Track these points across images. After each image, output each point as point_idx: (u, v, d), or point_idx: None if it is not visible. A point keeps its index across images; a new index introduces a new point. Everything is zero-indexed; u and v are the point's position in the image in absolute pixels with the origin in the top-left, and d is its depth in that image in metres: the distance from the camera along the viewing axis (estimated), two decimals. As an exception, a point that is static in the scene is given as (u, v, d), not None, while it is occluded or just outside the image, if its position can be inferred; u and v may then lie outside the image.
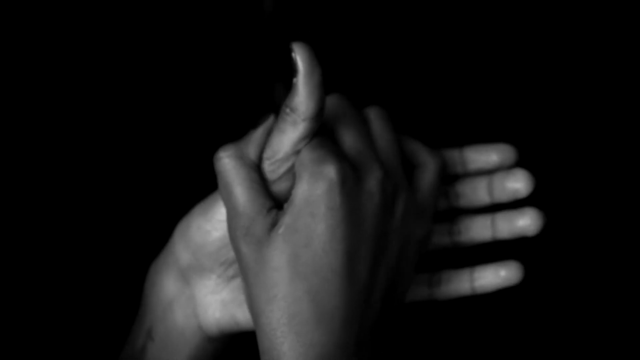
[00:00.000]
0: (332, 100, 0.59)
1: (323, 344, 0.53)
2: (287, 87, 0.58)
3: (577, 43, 0.80)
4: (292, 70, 0.55)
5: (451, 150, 0.64)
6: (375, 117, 0.60)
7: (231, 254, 0.60)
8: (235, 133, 0.57)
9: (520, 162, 0.63)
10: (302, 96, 0.55)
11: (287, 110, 0.55)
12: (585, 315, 0.80)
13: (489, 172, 0.63)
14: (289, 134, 0.56)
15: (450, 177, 0.64)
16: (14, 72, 0.70)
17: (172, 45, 0.74)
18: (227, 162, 0.56)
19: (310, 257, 0.53)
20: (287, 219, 0.54)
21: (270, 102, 0.76)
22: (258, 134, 0.57)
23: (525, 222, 0.62)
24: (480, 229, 0.63)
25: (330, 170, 0.54)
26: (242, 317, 0.60)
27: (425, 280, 0.63)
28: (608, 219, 0.80)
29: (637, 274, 0.80)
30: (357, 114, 0.59)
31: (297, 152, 0.56)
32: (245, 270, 0.55)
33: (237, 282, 0.60)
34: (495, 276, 0.62)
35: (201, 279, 0.60)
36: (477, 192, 0.63)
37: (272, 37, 0.77)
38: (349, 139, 0.58)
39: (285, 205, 0.55)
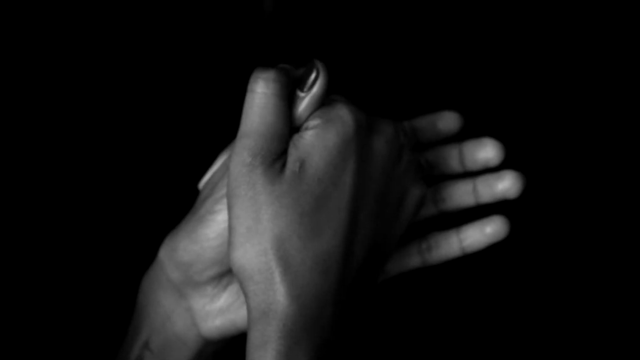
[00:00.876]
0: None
1: (319, 285, 0.53)
2: (325, 66, 0.59)
3: (573, 43, 0.80)
4: (303, 83, 0.55)
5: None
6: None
7: (224, 267, 0.59)
8: (235, 133, 0.57)
9: (520, 158, 0.63)
10: (301, 114, 0.56)
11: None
12: (576, 288, 0.80)
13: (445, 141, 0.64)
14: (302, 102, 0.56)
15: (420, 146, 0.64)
16: (14, 72, 0.70)
17: (172, 45, 0.74)
18: (264, 85, 0.55)
19: (321, 193, 0.54)
20: (302, 154, 0.54)
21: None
22: (295, 71, 0.57)
23: (505, 186, 0.62)
24: (463, 195, 0.63)
25: (344, 110, 0.55)
26: (241, 321, 0.60)
27: (416, 248, 0.63)
28: (604, 209, 0.81)
29: (627, 261, 0.80)
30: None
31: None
32: (247, 204, 0.54)
33: (233, 289, 0.60)
34: (482, 234, 0.62)
35: (197, 292, 0.60)
36: (448, 161, 0.63)
37: (272, 37, 0.77)
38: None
39: (293, 143, 0.55)
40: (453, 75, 0.80)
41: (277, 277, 0.52)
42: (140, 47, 0.73)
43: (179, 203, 0.64)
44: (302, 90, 0.56)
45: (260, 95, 0.55)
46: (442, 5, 0.79)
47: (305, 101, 0.56)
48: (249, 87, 0.55)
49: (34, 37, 0.70)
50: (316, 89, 0.55)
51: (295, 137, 0.55)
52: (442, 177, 0.63)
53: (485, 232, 0.62)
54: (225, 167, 0.59)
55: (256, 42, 0.76)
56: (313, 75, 0.55)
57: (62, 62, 0.71)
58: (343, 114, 0.55)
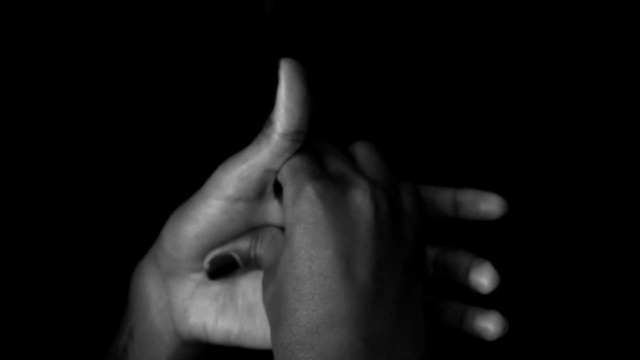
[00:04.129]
0: (316, 141, 0.60)
1: (328, 342, 0.53)
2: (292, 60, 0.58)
3: (572, 43, 0.80)
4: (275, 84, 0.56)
5: (446, 190, 0.64)
6: (361, 148, 0.61)
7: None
8: (235, 133, 0.57)
9: (520, 158, 0.63)
10: (279, 110, 0.56)
11: (267, 122, 0.56)
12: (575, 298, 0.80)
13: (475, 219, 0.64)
14: (262, 148, 0.56)
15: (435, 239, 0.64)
16: (14, 72, 0.70)
17: (171, 45, 0.74)
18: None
19: (299, 268, 0.55)
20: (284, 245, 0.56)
21: (270, 102, 0.76)
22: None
23: (485, 325, 0.62)
24: (451, 316, 0.63)
25: (310, 189, 0.55)
26: (211, 326, 0.61)
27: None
28: (604, 210, 0.81)
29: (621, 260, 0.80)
30: (337, 150, 0.60)
31: (265, 171, 0.57)
32: (265, 303, 0.57)
33: (213, 290, 0.61)
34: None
35: (178, 285, 0.61)
36: (459, 271, 0.63)
37: (272, 37, 0.77)
38: (332, 164, 0.59)
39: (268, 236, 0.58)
40: (454, 73, 0.80)
41: (287, 345, 0.55)
42: (139, 46, 0.73)
43: (179, 200, 0.64)
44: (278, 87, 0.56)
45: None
46: (442, 5, 0.79)
47: (279, 96, 0.56)
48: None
49: (34, 37, 0.70)
50: (282, 82, 0.55)
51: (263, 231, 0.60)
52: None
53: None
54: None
55: (256, 42, 0.76)
56: (279, 71, 0.56)
57: (62, 62, 0.71)
58: (308, 192, 0.56)
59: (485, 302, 0.72)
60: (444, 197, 0.64)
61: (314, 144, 0.60)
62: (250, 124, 0.59)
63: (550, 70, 0.80)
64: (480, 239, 0.65)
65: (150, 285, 0.61)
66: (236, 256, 0.60)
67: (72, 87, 0.72)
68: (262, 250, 0.60)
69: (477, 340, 0.63)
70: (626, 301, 0.80)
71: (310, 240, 0.54)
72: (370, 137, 0.65)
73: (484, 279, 0.62)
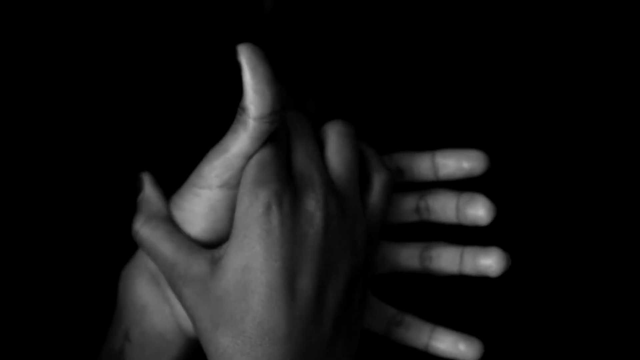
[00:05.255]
0: (289, 117, 0.59)
1: (267, 357, 0.53)
2: (287, 87, 0.58)
3: (570, 44, 0.80)
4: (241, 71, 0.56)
5: (423, 155, 0.63)
6: (334, 133, 0.60)
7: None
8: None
9: (514, 163, 0.63)
10: (250, 94, 0.55)
11: (239, 110, 0.56)
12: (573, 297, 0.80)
13: (460, 180, 0.63)
14: (240, 135, 0.56)
15: (420, 185, 0.63)
16: (14, 72, 0.70)
17: (171, 45, 0.74)
18: (143, 231, 0.58)
19: (249, 277, 0.54)
20: (229, 246, 0.55)
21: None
22: (148, 192, 0.60)
23: (487, 263, 0.61)
24: (449, 261, 0.62)
25: (267, 195, 0.55)
26: None
27: (418, 252, 0.62)
28: (604, 211, 0.81)
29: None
30: (310, 131, 0.59)
31: (245, 157, 0.57)
32: (191, 310, 0.56)
33: None
34: (454, 347, 0.61)
35: None
36: (447, 211, 0.62)
37: (272, 37, 0.77)
38: (298, 155, 0.58)
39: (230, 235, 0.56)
40: (454, 72, 0.80)
41: (227, 357, 0.55)
42: (139, 46, 0.73)
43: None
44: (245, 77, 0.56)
45: (147, 240, 0.60)
46: (441, 5, 0.79)
47: (245, 81, 0.55)
48: (136, 242, 0.61)
49: (34, 37, 0.70)
50: (244, 67, 0.55)
51: (233, 224, 0.57)
52: (437, 233, 0.63)
53: (457, 347, 0.61)
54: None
55: (256, 42, 0.76)
56: (239, 58, 0.56)
57: (62, 62, 0.71)
58: (266, 200, 0.55)
59: (484, 302, 0.72)
60: (422, 162, 0.63)
61: (289, 126, 0.59)
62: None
63: (550, 70, 0.80)
64: (479, 238, 0.65)
65: (141, 285, 0.61)
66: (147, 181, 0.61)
67: (71, 86, 0.72)
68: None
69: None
70: (625, 301, 0.80)
71: (263, 249, 0.54)
72: (370, 135, 0.65)
73: (480, 211, 0.61)
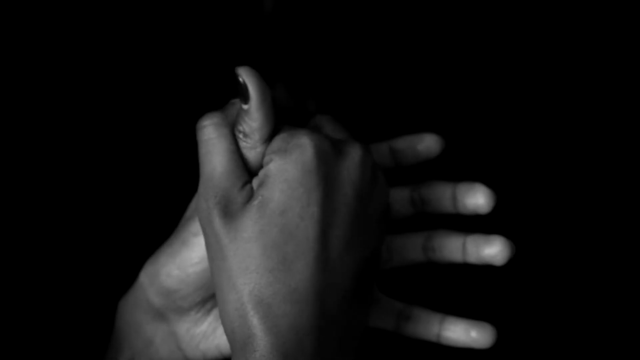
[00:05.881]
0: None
1: (295, 315, 0.51)
2: (287, 87, 0.58)
3: (569, 46, 0.80)
4: (241, 95, 0.54)
5: (379, 144, 0.62)
6: (326, 122, 0.59)
7: (208, 292, 0.58)
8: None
9: (518, 159, 0.63)
10: (258, 122, 0.54)
11: (241, 135, 0.54)
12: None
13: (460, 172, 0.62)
14: (249, 153, 0.55)
15: (411, 181, 0.63)
16: (14, 72, 0.70)
17: (172, 45, 0.74)
18: (211, 131, 0.54)
19: (285, 225, 0.52)
20: (262, 190, 0.52)
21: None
22: (256, 104, 0.55)
23: (491, 252, 0.59)
24: (453, 250, 0.60)
25: (305, 139, 0.53)
26: (225, 346, 0.59)
27: (420, 243, 0.61)
28: (603, 211, 0.81)
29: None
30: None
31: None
32: (214, 246, 0.53)
33: (216, 313, 0.59)
34: (465, 334, 0.60)
35: (180, 317, 0.59)
36: (443, 202, 0.61)
37: (272, 37, 0.77)
38: (326, 128, 0.57)
39: (260, 176, 0.53)
40: (454, 72, 0.80)
41: (250, 311, 0.51)
42: (139, 47, 0.73)
43: (158, 223, 0.64)
44: (244, 103, 0.54)
45: (204, 142, 0.54)
46: (441, 5, 0.79)
47: (255, 113, 0.54)
48: (197, 136, 0.55)
49: (34, 37, 0.70)
50: (254, 95, 0.53)
51: (261, 170, 0.54)
52: (439, 223, 0.62)
53: (469, 334, 0.60)
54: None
55: (256, 42, 0.76)
56: (241, 83, 0.54)
57: (62, 62, 0.71)
58: (303, 143, 0.53)
59: (483, 309, 0.72)
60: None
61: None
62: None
63: (550, 70, 0.80)
64: (479, 226, 0.65)
65: (146, 320, 0.59)
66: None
67: (71, 86, 0.72)
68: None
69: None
70: (625, 301, 0.80)
71: (302, 193, 0.52)
72: (370, 135, 0.65)
73: (480, 199, 0.60)
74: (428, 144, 0.62)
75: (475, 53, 0.80)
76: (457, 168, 0.78)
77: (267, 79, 0.55)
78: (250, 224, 0.52)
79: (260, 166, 0.55)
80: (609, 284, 0.80)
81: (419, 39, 0.79)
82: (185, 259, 0.58)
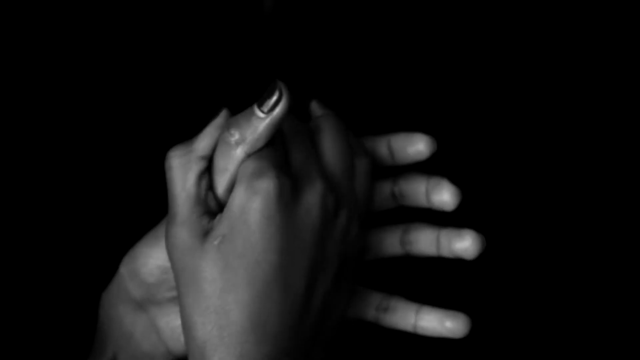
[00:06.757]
0: (287, 120, 0.59)
1: (253, 356, 0.52)
2: (288, 87, 0.58)
3: (569, 44, 0.80)
4: (265, 104, 0.55)
5: (381, 139, 0.62)
6: (327, 127, 0.59)
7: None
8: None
9: (517, 158, 0.63)
10: (261, 135, 0.55)
11: (233, 138, 0.55)
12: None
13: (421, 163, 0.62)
14: (231, 170, 0.55)
15: (392, 173, 0.63)
16: (14, 72, 0.70)
17: (171, 45, 0.74)
18: (175, 163, 0.56)
19: (244, 268, 0.53)
20: (222, 229, 0.53)
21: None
22: (208, 131, 0.57)
23: (462, 246, 0.60)
24: (427, 243, 0.61)
25: (268, 183, 0.53)
26: None
27: (398, 237, 0.62)
28: (603, 212, 0.81)
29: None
30: (303, 129, 0.59)
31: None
32: (177, 279, 0.54)
33: None
34: (440, 324, 0.60)
35: (159, 309, 0.60)
36: (418, 196, 0.61)
37: (272, 37, 0.77)
38: (294, 152, 0.57)
39: (221, 215, 0.54)
40: (453, 72, 0.80)
41: (210, 350, 0.53)
42: (139, 46, 0.73)
43: (147, 216, 0.64)
44: (262, 112, 0.55)
45: (167, 170, 0.56)
46: (441, 5, 0.79)
47: (264, 123, 0.54)
48: (165, 166, 0.57)
49: (34, 37, 0.70)
50: (277, 111, 0.54)
51: (226, 206, 0.54)
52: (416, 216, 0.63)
53: (444, 324, 0.60)
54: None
55: (256, 42, 0.76)
56: (275, 97, 0.54)
57: (62, 62, 0.71)
58: (266, 188, 0.53)
59: (483, 302, 0.72)
60: (381, 147, 0.62)
61: (284, 125, 0.58)
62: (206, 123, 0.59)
63: (550, 70, 0.80)
64: (458, 220, 0.64)
65: (127, 313, 0.60)
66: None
67: (71, 86, 0.72)
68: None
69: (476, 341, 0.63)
70: (624, 301, 0.80)
71: (262, 240, 0.53)
72: (370, 134, 0.65)
73: (444, 196, 0.60)
74: (418, 147, 0.62)
75: (476, 54, 0.80)
76: (456, 168, 0.78)
77: (267, 79, 0.55)
78: (209, 265, 0.53)
79: (229, 191, 0.56)
80: (590, 278, 0.80)
81: (419, 38, 0.79)
82: (162, 252, 0.58)
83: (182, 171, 0.56)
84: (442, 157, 0.78)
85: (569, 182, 0.80)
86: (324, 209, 0.55)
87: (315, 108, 0.62)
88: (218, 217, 0.55)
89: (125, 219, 0.73)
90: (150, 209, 0.73)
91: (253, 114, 0.55)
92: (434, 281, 0.78)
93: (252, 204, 0.53)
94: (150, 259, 0.59)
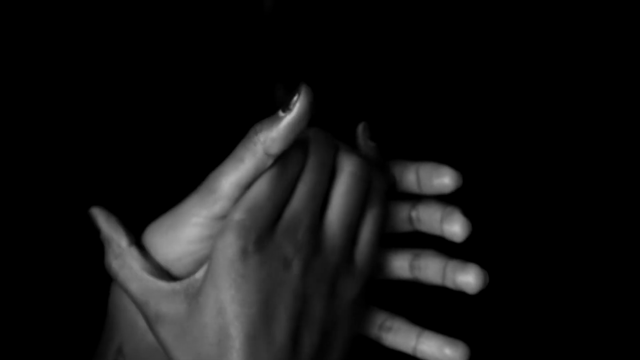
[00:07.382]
0: (314, 135, 0.59)
1: None
2: (287, 87, 0.58)
3: (569, 44, 0.80)
4: (282, 104, 0.55)
5: (409, 166, 0.62)
6: (347, 173, 0.59)
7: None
8: (235, 133, 0.57)
9: (517, 158, 0.63)
10: (280, 135, 0.55)
11: (253, 138, 0.55)
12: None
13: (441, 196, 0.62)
14: (246, 163, 0.56)
15: (412, 197, 0.63)
16: (14, 72, 0.70)
17: (171, 45, 0.74)
18: (113, 267, 0.57)
19: (224, 321, 0.54)
20: (205, 283, 0.55)
21: (270, 102, 0.76)
22: (106, 232, 0.58)
23: (465, 279, 0.60)
24: (434, 273, 0.62)
25: (247, 240, 0.54)
26: None
27: (408, 262, 0.62)
28: (602, 212, 0.81)
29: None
30: (327, 159, 0.58)
31: (243, 188, 0.56)
32: (167, 349, 0.56)
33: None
34: (439, 351, 0.61)
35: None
36: (433, 224, 0.62)
37: (272, 37, 0.77)
38: (301, 190, 0.57)
39: (208, 264, 0.55)
40: (453, 73, 0.80)
41: None
42: (139, 46, 0.73)
43: (158, 207, 0.64)
44: (283, 111, 0.55)
45: (118, 276, 0.59)
46: (442, 5, 0.79)
47: (283, 122, 0.55)
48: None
49: (34, 37, 0.70)
50: (294, 111, 0.54)
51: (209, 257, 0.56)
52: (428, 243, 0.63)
53: (443, 352, 0.61)
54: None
55: (256, 42, 0.76)
56: (295, 98, 0.55)
57: (62, 62, 0.71)
58: (239, 243, 0.54)
59: (485, 305, 0.72)
60: (408, 173, 0.62)
61: (311, 145, 0.58)
62: (250, 124, 0.59)
63: (550, 70, 0.80)
64: (477, 239, 0.65)
65: (132, 305, 0.60)
66: None
67: (71, 86, 0.72)
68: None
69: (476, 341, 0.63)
70: (624, 302, 0.80)
71: (238, 295, 0.54)
72: (370, 134, 0.65)
73: (455, 227, 0.60)
74: (444, 180, 0.62)
75: (476, 54, 0.80)
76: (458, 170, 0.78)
77: (267, 79, 0.55)
78: (191, 323, 0.55)
79: (238, 187, 0.56)
80: (595, 304, 0.80)
81: (420, 38, 0.79)
82: (168, 244, 0.58)
83: (123, 270, 0.58)
84: (441, 159, 0.78)
85: (574, 211, 0.80)
86: (304, 261, 0.56)
87: (360, 134, 0.62)
88: (203, 268, 0.56)
89: (133, 211, 0.73)
90: (156, 201, 0.74)
91: (277, 113, 0.55)
92: (439, 306, 0.78)
93: (229, 259, 0.54)
94: (165, 243, 0.59)
